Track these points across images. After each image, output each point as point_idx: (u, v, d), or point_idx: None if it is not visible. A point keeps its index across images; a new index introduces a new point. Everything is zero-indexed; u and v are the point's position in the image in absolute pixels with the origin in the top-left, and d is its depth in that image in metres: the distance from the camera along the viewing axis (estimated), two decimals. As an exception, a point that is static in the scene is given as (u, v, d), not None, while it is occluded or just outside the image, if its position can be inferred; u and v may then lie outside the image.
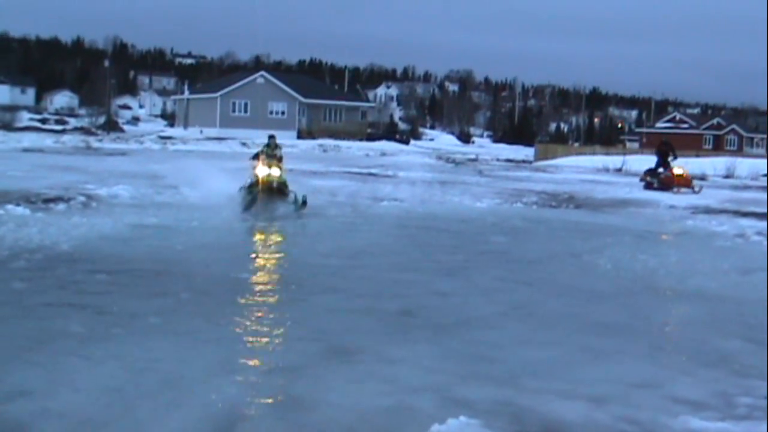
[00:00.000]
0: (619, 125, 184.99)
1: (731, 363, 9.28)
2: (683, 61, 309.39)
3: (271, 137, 24.59)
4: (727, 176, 52.61)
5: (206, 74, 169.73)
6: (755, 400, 7.89)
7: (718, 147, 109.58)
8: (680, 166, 37.28)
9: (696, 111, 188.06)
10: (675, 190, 35.21)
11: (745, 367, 9.10)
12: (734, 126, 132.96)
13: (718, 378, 8.61)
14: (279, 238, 18.83)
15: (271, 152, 23.55)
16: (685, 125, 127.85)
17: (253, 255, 16.06)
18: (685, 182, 36.22)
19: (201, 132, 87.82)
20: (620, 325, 10.99)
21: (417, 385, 8.03)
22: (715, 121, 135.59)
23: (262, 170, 22.85)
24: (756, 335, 10.67)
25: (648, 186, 36.64)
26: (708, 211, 27.72)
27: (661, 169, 36.84)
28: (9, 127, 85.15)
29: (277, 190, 22.84)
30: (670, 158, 36.86)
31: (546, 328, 10.76)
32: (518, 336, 10.31)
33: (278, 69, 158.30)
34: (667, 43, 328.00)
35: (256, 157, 23.57)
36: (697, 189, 35.76)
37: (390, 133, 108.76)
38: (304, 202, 22.72)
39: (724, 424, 7.14)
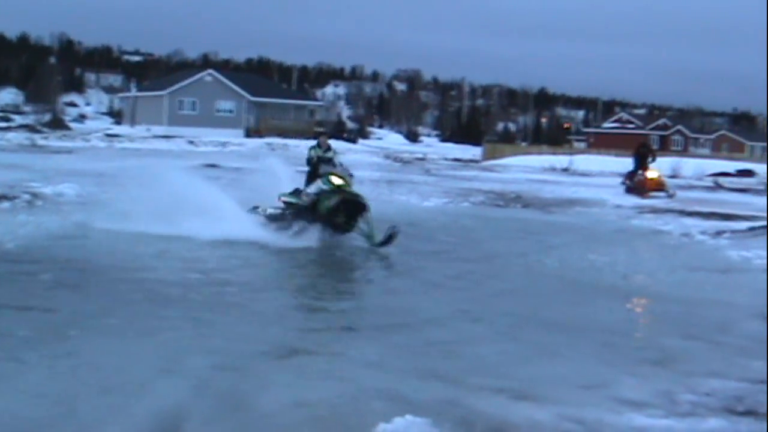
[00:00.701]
0: (566, 125, 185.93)
1: (675, 361, 9.36)
2: (630, 62, 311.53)
3: (321, 134, 20.39)
4: (672, 176, 53.03)
5: (154, 72, 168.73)
6: (698, 397, 7.96)
7: (665, 147, 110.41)
8: (656, 169, 35.74)
9: (642, 111, 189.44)
10: (646, 194, 33.73)
11: (688, 365, 9.18)
12: (680, 126, 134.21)
13: (662, 376, 8.67)
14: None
15: (326, 156, 18.74)
16: (632, 125, 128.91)
17: (200, 254, 15.94)
18: (659, 186, 34.79)
19: (148, 130, 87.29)
20: (567, 325, 11.05)
21: (364, 384, 8.03)
22: (661, 121, 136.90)
23: (336, 179, 17.61)
24: (700, 333, 10.77)
25: (628, 190, 35.18)
26: (654, 210, 27.92)
27: (640, 172, 35.40)
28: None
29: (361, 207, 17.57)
30: (649, 160, 35.50)
31: (493, 327, 10.80)
32: (466, 335, 10.34)
33: (226, 67, 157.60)
34: (614, 43, 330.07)
35: (311, 164, 18.71)
36: (671, 193, 34.32)
37: (338, 132, 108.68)
38: (391, 237, 17.05)
39: (668, 421, 7.19)
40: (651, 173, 34.95)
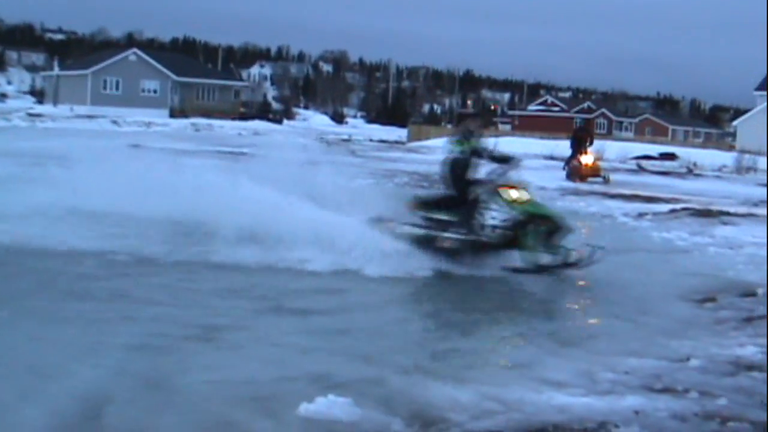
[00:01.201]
0: (492, 107, 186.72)
1: (596, 341, 9.44)
2: (556, 46, 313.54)
3: (470, 117, 14.99)
4: (596, 159, 53.45)
5: (77, 50, 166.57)
6: (618, 375, 8.04)
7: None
8: (592, 153, 34.90)
9: (568, 95, 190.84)
10: (584, 179, 32.76)
11: (609, 345, 9.27)
12: (604, 110, 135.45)
13: (582, 356, 8.74)
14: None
15: (479, 147, 14.04)
16: (557, 108, 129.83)
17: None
18: (594, 171, 33.96)
19: (71, 110, 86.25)
20: (490, 306, 11.10)
21: (287, 364, 8.01)
22: (585, 104, 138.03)
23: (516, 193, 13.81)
24: (620, 313, 10.88)
25: (568, 176, 33.82)
26: (576, 192, 28.16)
27: (579, 157, 34.21)
28: None
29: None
30: (587, 144, 34.50)
31: (414, 308, 10.82)
32: (388, 316, 10.36)
33: (151, 47, 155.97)
34: (539, 27, 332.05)
35: (459, 165, 13.87)
36: (606, 178, 33.73)
37: (263, 112, 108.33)
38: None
39: (588, 399, 7.25)
40: (586, 159, 34.11)
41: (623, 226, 20.46)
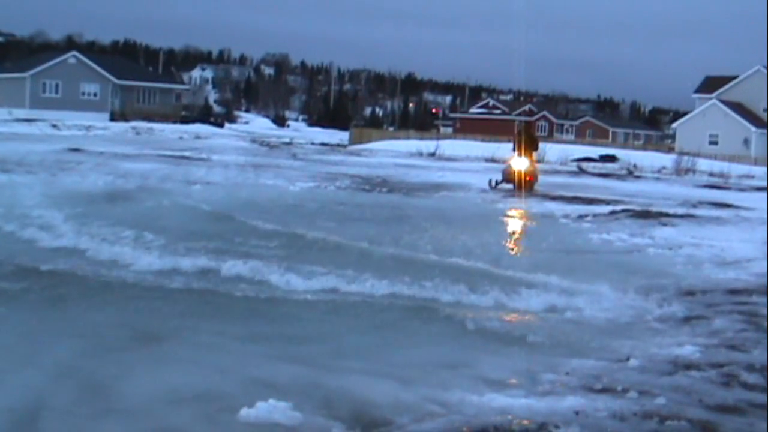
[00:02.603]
0: (434, 110, 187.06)
1: (537, 342, 9.49)
2: (495, 48, 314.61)
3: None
4: (537, 161, 53.72)
5: (15, 53, 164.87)
6: (557, 376, 8.08)
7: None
8: (527, 157, 30.51)
9: (509, 98, 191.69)
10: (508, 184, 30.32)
11: (546, 346, 9.33)
12: (545, 112, 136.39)
13: (522, 356, 8.77)
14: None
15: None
16: (498, 111, 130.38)
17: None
18: (527, 177, 30.11)
19: (9, 113, 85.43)
20: (431, 308, 11.09)
21: (225, 368, 7.97)
22: (526, 107, 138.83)
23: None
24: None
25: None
26: (517, 195, 28.25)
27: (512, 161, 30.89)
28: None
29: None
30: (532, 149, 31.30)
31: (355, 313, 10.79)
32: (329, 319, 10.34)
33: (91, 50, 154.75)
34: (480, 31, 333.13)
35: None
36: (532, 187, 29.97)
37: (204, 116, 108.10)
38: None
39: (528, 400, 7.28)
40: (518, 163, 30.35)
41: (564, 228, 20.56)
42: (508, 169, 30.86)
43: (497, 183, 30.84)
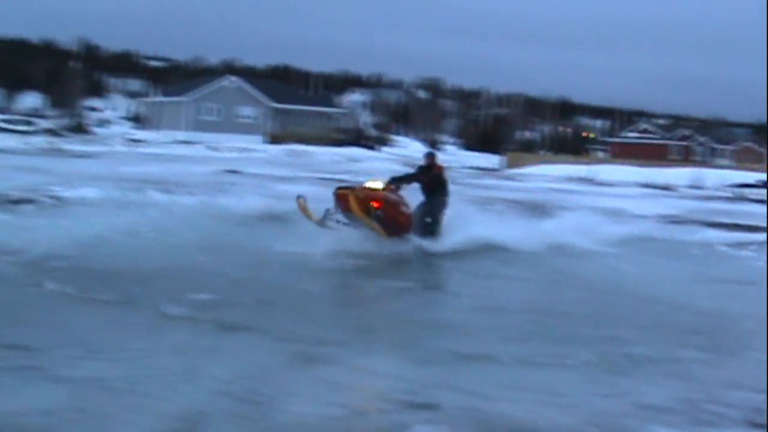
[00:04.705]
0: (588, 135, 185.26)
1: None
2: (652, 73, 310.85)
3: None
4: (693, 186, 52.83)
5: (175, 77, 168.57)
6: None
7: (686, 158, 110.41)
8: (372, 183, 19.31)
9: (664, 122, 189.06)
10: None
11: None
12: (701, 137, 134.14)
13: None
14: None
15: None
16: (654, 136, 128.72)
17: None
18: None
19: (169, 135, 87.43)
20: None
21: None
22: (683, 132, 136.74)
23: None
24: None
25: None
26: (677, 221, 27.78)
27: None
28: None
29: None
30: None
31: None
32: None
33: (248, 73, 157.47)
34: (635, 53, 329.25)
35: None
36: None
37: (359, 139, 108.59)
38: None
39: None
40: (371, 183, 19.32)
41: (723, 255, 20.13)
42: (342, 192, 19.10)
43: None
